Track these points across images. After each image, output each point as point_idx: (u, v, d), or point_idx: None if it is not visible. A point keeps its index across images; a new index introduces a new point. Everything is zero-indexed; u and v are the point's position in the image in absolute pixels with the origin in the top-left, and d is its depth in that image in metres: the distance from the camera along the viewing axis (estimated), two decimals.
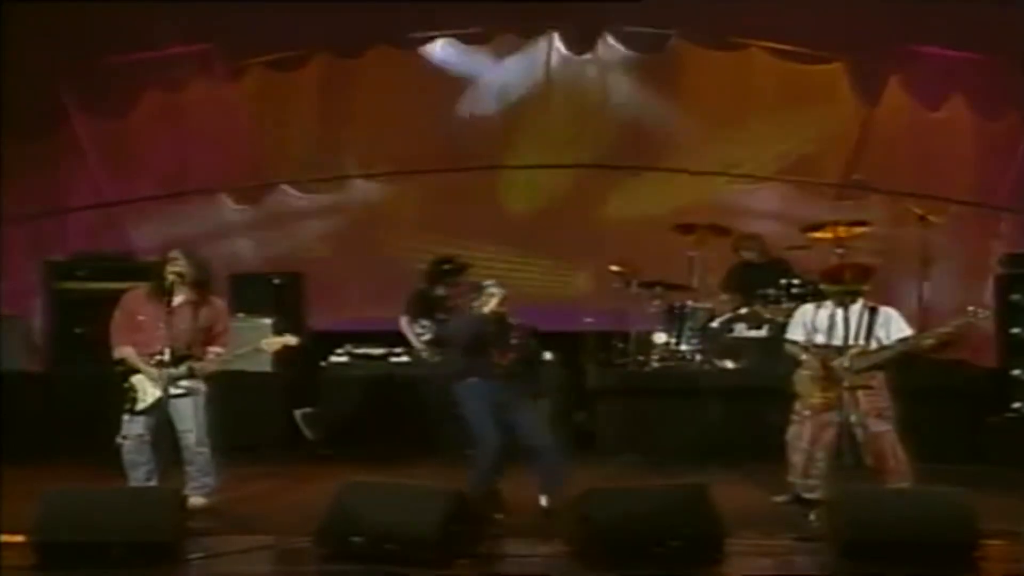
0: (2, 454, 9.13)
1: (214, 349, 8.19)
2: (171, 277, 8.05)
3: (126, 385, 8.03)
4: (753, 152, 12.80)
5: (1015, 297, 10.68)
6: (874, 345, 8.19)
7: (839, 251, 10.87)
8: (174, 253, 8.14)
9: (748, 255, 11.64)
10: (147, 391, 8.04)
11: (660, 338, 11.14)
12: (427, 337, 11.26)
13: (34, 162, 12.30)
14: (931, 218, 11.39)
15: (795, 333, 8.43)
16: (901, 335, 8.23)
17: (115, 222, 12.51)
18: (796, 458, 8.18)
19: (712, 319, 11.16)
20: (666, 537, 6.73)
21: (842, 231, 11.00)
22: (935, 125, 12.47)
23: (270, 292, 11.42)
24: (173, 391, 8.01)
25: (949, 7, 11.49)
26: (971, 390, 10.65)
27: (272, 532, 7.47)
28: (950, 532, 6.80)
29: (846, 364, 8.03)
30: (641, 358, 11.13)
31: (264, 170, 12.94)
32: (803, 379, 8.26)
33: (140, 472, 8.02)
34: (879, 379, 8.18)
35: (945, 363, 11.10)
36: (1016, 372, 10.52)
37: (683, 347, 11.11)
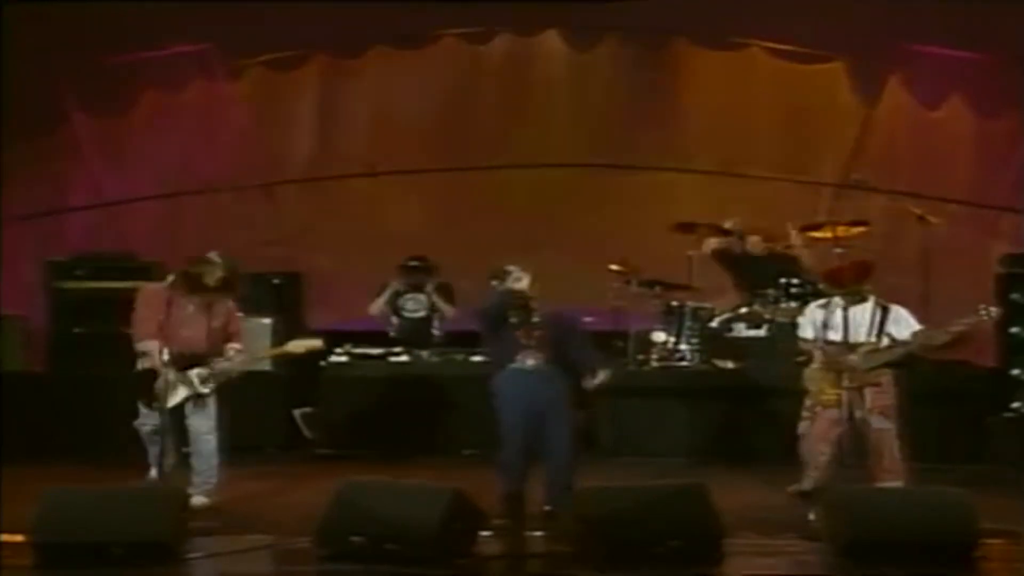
0: (2, 454, 9.13)
1: (233, 345, 8.30)
2: (201, 277, 8.08)
3: (158, 382, 7.97)
4: (753, 152, 12.81)
5: (1015, 297, 10.68)
6: (885, 342, 8.27)
7: (839, 251, 10.88)
8: (211, 255, 8.16)
9: (754, 250, 11.56)
10: (177, 390, 8.09)
11: (660, 338, 11.14)
12: (392, 333, 11.37)
13: (34, 162, 12.32)
14: (930, 218, 11.40)
15: (806, 332, 8.53)
16: (913, 331, 8.29)
17: (115, 222, 12.51)
18: (805, 448, 8.30)
19: (712, 319, 11.17)
20: (666, 537, 6.72)
21: (842, 231, 11.00)
22: (935, 125, 12.48)
23: (270, 292, 11.41)
24: (189, 393, 8.14)
25: (949, 7, 11.51)
26: (971, 390, 10.65)
27: (272, 532, 7.46)
28: (950, 532, 6.79)
29: (858, 361, 8.11)
30: (641, 358, 11.14)
31: (264, 170, 12.95)
32: (813, 376, 8.35)
33: (157, 448, 8.05)
34: (887, 377, 8.26)
35: (945, 363, 11.10)
36: (1016, 372, 10.52)
37: (683, 347, 11.11)
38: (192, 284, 8.11)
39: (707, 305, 11.27)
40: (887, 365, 8.26)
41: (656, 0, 12.12)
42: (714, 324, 11.13)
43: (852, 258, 9.40)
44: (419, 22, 12.60)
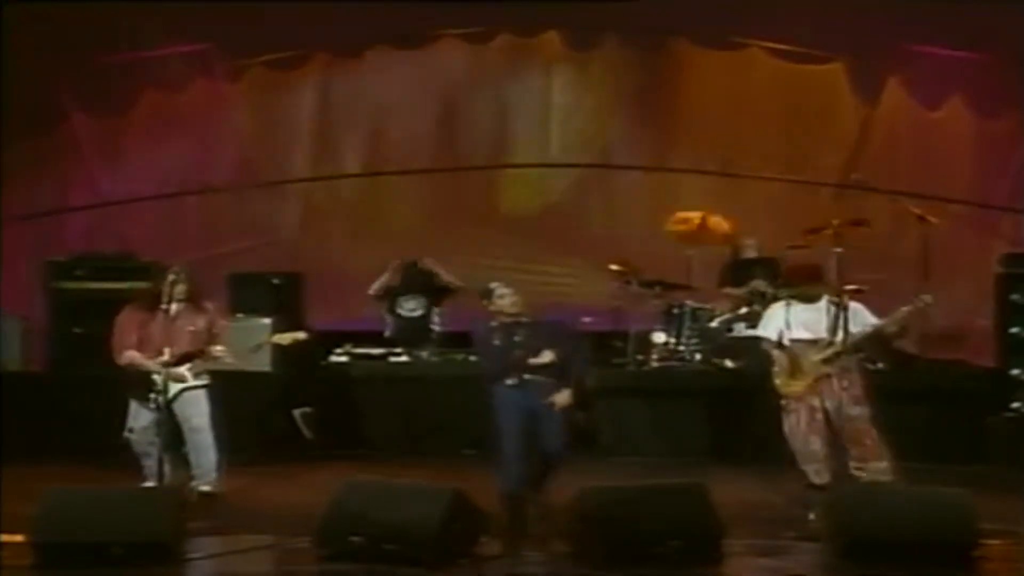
0: (2, 454, 9.13)
1: (216, 348, 8.48)
2: (168, 289, 8.32)
3: (150, 379, 8.14)
4: (753, 152, 12.81)
5: (1015, 297, 10.69)
6: (841, 336, 8.48)
7: (838, 251, 10.87)
8: (173, 270, 8.43)
9: (747, 252, 11.65)
10: (169, 387, 8.27)
11: (660, 338, 11.15)
12: (387, 333, 11.40)
13: (34, 162, 12.31)
14: (930, 218, 11.39)
15: (769, 331, 8.72)
16: (862, 327, 8.51)
17: (115, 222, 12.50)
18: (796, 446, 8.38)
19: (712, 319, 11.17)
20: (665, 537, 6.72)
21: (841, 231, 10.99)
22: (935, 125, 12.47)
23: (270, 292, 11.39)
24: (184, 386, 8.33)
25: (949, 7, 11.50)
26: (971, 390, 10.65)
27: (272, 532, 7.47)
28: (950, 532, 6.79)
29: (815, 355, 8.38)
30: (641, 358, 11.14)
31: (264, 170, 12.94)
32: (776, 373, 8.55)
33: (152, 460, 8.16)
34: (853, 369, 8.44)
35: (945, 363, 11.12)
36: (1016, 372, 10.52)
37: (683, 347, 11.11)
38: (158, 299, 8.32)
39: (707, 305, 11.28)
40: (840, 355, 8.45)
41: (656, 0, 12.11)
42: (714, 324, 11.14)
43: (804, 260, 9.57)
44: (419, 22, 12.59)
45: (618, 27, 12.65)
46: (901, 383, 10.46)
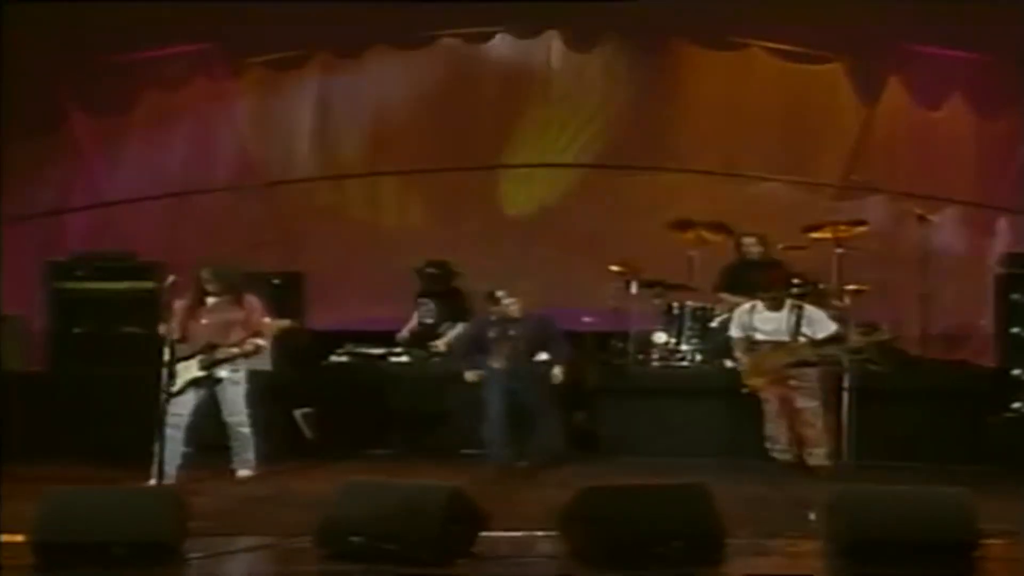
0: (2, 454, 9.13)
1: (253, 340, 9.29)
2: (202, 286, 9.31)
3: (167, 370, 8.62)
4: (753, 152, 12.80)
5: (1015, 297, 10.68)
6: (801, 340, 9.58)
7: (838, 251, 10.88)
8: (204, 272, 9.29)
9: (750, 253, 11.62)
10: (183, 376, 8.99)
11: (660, 338, 11.15)
12: (403, 335, 11.41)
13: (34, 162, 12.31)
14: (930, 217, 11.40)
15: (734, 331, 9.92)
16: (824, 335, 9.56)
17: (115, 222, 12.50)
18: (767, 426, 9.79)
19: (712, 319, 11.17)
20: (666, 537, 6.71)
21: (841, 231, 11.01)
22: (935, 125, 12.47)
23: (270, 292, 11.37)
24: (220, 374, 9.15)
25: (949, 7, 11.50)
26: (971, 390, 10.65)
27: (272, 532, 7.46)
28: (950, 532, 6.79)
29: (774, 358, 9.58)
30: (641, 358, 11.14)
31: (264, 170, 12.94)
32: (743, 369, 9.91)
33: (175, 450, 8.80)
34: (809, 370, 9.54)
35: (945, 363, 11.11)
36: (1016, 372, 10.51)
37: (683, 347, 11.11)
38: (199, 293, 9.33)
39: (707, 305, 11.28)
40: (805, 364, 9.53)
41: (656, 0, 12.11)
42: (714, 324, 11.14)
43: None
44: (419, 22, 12.59)
45: (618, 27, 12.65)
46: (901, 383, 10.47)
